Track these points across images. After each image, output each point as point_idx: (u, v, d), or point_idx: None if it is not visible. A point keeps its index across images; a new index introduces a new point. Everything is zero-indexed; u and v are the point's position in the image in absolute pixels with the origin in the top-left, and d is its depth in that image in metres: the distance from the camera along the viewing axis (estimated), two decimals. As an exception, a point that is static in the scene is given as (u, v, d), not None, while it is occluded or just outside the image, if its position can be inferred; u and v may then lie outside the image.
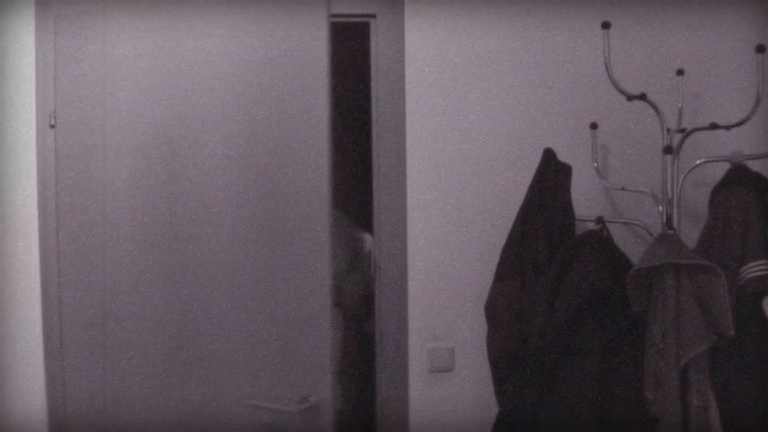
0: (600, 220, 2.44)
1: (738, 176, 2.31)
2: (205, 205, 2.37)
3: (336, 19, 2.66)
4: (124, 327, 2.44)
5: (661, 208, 2.40)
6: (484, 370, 2.46)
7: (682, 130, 2.39)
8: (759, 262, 2.22)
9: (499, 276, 2.43)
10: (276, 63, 2.27)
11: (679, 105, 2.49)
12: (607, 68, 2.35)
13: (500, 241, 2.45)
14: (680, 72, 2.51)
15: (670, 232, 2.32)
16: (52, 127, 2.50)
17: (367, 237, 2.52)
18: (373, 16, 2.62)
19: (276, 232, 2.27)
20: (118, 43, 2.52)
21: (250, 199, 2.31)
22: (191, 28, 2.38)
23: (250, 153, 2.32)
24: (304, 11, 2.17)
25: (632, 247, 2.48)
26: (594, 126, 2.58)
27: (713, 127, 2.35)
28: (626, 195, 2.59)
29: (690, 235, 2.40)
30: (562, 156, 2.44)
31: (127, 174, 2.44)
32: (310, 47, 2.13)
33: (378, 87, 2.62)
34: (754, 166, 2.34)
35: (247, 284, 2.32)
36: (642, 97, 2.37)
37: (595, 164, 2.59)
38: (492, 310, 2.42)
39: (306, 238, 2.19)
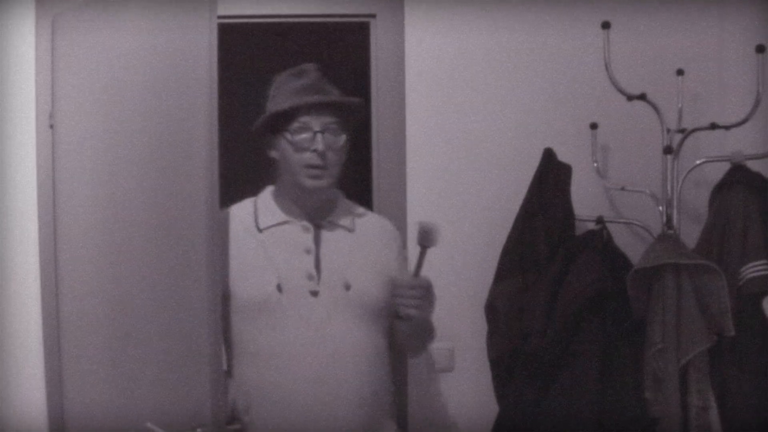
0: (600, 220, 2.44)
1: (738, 176, 2.31)
2: (124, 214, 2.17)
3: (336, 19, 2.68)
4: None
5: (661, 208, 2.40)
6: (484, 370, 2.46)
7: (682, 130, 2.39)
8: (759, 262, 2.22)
9: (499, 276, 2.43)
10: (159, 67, 2.04)
11: (679, 105, 2.48)
12: (607, 68, 2.35)
13: (500, 241, 2.44)
14: (680, 72, 2.51)
15: (670, 232, 2.33)
16: (52, 127, 2.50)
17: None
18: (373, 16, 2.62)
19: (165, 246, 2.03)
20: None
21: (149, 210, 2.09)
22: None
23: (149, 160, 2.08)
24: (190, 12, 1.93)
25: (632, 247, 2.48)
26: (594, 126, 2.58)
27: (713, 127, 2.35)
28: (626, 195, 2.59)
29: (690, 235, 2.39)
30: (562, 156, 2.43)
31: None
32: (195, 52, 1.88)
33: (378, 87, 2.62)
34: (754, 166, 2.34)
35: (150, 299, 2.09)
36: (642, 97, 2.36)
37: (595, 164, 2.59)
38: (492, 310, 2.42)
39: (186, 250, 1.94)
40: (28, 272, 2.54)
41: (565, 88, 2.61)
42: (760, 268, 2.22)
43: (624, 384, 2.26)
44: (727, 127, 2.33)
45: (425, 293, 1.92)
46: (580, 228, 2.48)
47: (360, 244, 2.01)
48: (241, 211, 2.03)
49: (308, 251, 1.95)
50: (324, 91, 1.98)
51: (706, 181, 2.49)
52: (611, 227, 2.46)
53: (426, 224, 1.94)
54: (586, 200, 2.54)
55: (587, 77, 2.57)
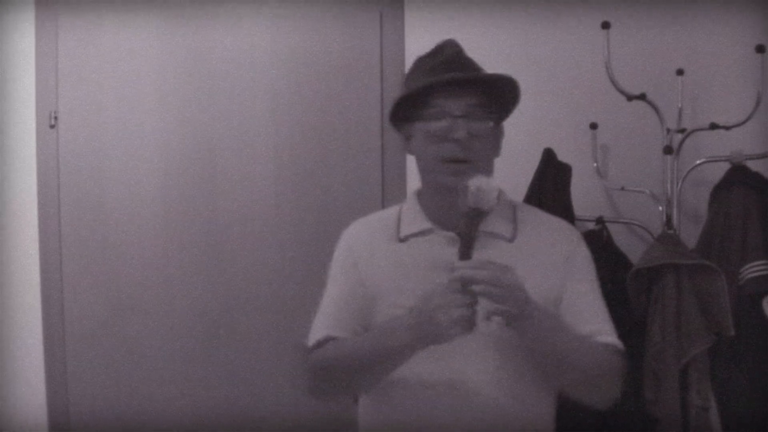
0: (600, 221, 2.44)
1: (738, 176, 2.31)
2: (246, 203, 2.53)
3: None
4: (146, 323, 2.49)
5: (661, 208, 2.40)
6: (484, 370, 2.45)
7: (682, 130, 2.39)
8: (759, 262, 2.22)
9: (499, 276, 2.43)
10: (325, 61, 2.54)
11: (679, 105, 2.48)
12: (607, 68, 2.35)
13: (500, 241, 2.44)
14: (680, 72, 2.51)
15: (670, 232, 2.32)
16: (52, 127, 2.50)
17: None
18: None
19: (320, 228, 2.46)
20: (122, 43, 2.54)
21: (294, 196, 2.53)
22: (222, 28, 2.61)
23: (294, 150, 2.53)
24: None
25: (632, 247, 2.48)
26: (594, 126, 2.58)
27: (713, 127, 2.35)
28: (626, 195, 2.59)
29: (690, 235, 2.39)
30: (562, 156, 2.43)
31: (156, 172, 2.55)
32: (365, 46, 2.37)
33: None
34: (754, 166, 2.34)
35: (292, 282, 2.45)
36: (642, 97, 2.37)
37: (595, 164, 2.59)
38: (492, 310, 2.42)
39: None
40: (28, 272, 2.53)
41: (565, 88, 2.61)
42: (760, 268, 2.22)
43: (624, 384, 2.25)
44: (727, 127, 2.33)
45: (492, 278, 1.37)
46: (580, 228, 2.47)
47: (521, 259, 1.52)
48: (382, 219, 1.69)
49: (452, 269, 1.43)
50: (463, 67, 1.62)
51: (706, 181, 2.49)
52: (611, 227, 2.46)
53: (477, 181, 1.43)
54: (586, 200, 2.53)
55: (587, 77, 2.57)
